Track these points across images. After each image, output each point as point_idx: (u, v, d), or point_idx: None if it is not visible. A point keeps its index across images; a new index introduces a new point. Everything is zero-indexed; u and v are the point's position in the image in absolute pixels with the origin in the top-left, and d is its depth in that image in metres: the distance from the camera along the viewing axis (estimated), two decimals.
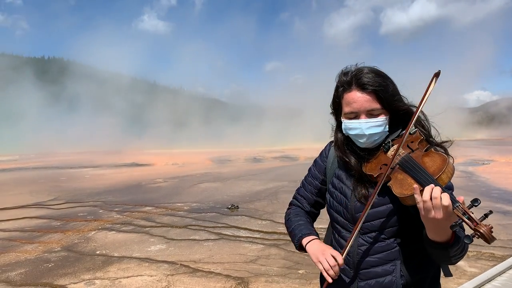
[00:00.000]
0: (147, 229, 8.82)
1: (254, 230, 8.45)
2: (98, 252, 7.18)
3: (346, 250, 1.47)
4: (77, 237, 8.26)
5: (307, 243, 1.60)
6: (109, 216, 10.40)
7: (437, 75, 1.44)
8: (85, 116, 75.73)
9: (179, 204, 11.80)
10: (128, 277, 5.89)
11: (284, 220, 1.88)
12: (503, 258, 6.05)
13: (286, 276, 5.77)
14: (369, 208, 1.43)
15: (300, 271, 5.94)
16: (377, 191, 1.43)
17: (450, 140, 1.52)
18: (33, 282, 5.83)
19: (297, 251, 1.70)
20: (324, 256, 1.47)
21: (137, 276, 5.92)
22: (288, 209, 1.87)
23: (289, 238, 1.77)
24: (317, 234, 1.66)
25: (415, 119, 1.45)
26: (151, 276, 5.90)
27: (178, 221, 9.57)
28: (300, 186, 1.86)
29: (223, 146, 45.87)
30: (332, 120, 1.68)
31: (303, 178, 1.86)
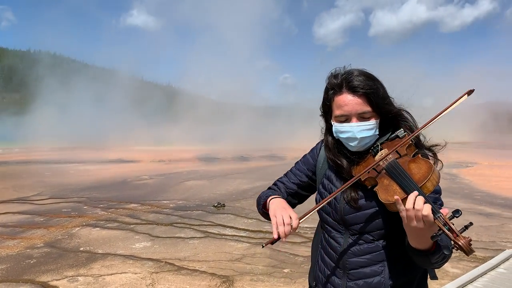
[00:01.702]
0: (132, 226, 8.75)
1: (240, 229, 8.45)
2: (81, 249, 7.10)
3: (306, 217, 1.46)
4: (61, 233, 8.15)
5: (270, 200, 1.61)
6: (93, 212, 10.29)
7: (469, 93, 1.42)
8: (70, 110, 74.93)
9: (164, 202, 11.73)
10: (112, 274, 5.83)
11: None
12: (484, 260, 6.16)
13: (271, 275, 5.78)
14: (346, 186, 1.44)
15: (285, 270, 5.95)
16: (351, 183, 1.44)
17: (439, 144, 1.52)
18: (14, 279, 5.73)
19: (262, 217, 1.68)
20: (281, 212, 1.47)
21: (121, 273, 5.86)
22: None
23: None
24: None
25: (422, 130, 1.45)
26: (135, 273, 5.85)
27: (163, 218, 9.52)
28: (283, 175, 1.85)
29: (210, 143, 45.66)
30: (322, 122, 1.65)
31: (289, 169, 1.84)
